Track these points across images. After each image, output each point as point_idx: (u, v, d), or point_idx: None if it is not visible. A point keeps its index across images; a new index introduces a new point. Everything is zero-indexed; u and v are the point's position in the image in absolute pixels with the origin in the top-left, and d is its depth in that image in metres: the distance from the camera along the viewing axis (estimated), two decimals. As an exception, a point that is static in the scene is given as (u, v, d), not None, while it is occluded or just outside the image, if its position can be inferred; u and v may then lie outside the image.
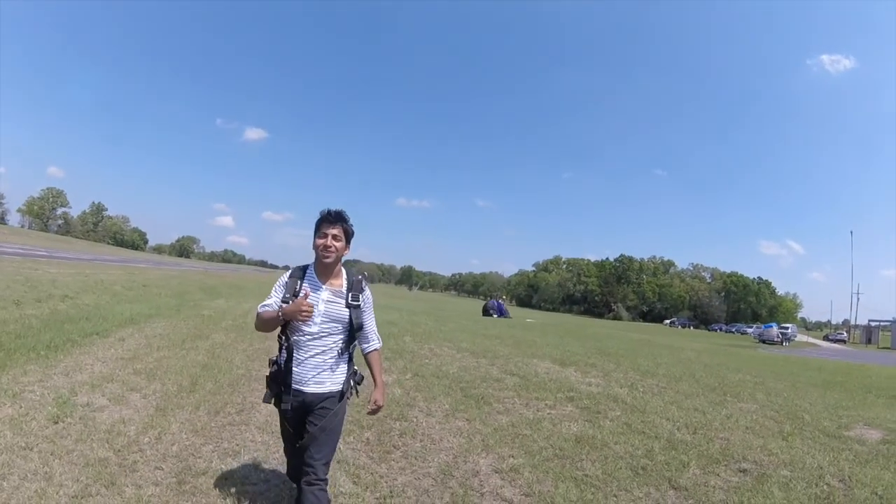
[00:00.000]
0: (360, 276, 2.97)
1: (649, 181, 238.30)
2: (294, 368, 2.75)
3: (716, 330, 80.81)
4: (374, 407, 2.94)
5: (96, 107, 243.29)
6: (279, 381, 2.79)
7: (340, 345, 2.82)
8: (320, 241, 2.77)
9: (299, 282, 2.83)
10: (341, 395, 2.81)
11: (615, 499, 3.74)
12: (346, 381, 2.86)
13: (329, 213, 2.82)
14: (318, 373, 2.76)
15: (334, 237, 2.78)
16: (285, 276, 2.90)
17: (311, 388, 2.75)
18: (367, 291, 2.98)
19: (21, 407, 4.36)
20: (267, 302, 2.82)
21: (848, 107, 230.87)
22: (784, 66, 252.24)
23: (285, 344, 2.79)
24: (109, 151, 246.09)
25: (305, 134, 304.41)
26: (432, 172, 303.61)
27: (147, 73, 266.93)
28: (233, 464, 3.84)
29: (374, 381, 2.99)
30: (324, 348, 2.77)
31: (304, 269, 2.90)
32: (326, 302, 2.78)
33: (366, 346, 2.99)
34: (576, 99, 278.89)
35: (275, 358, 2.87)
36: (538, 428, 5.10)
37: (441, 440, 4.66)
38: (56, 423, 4.14)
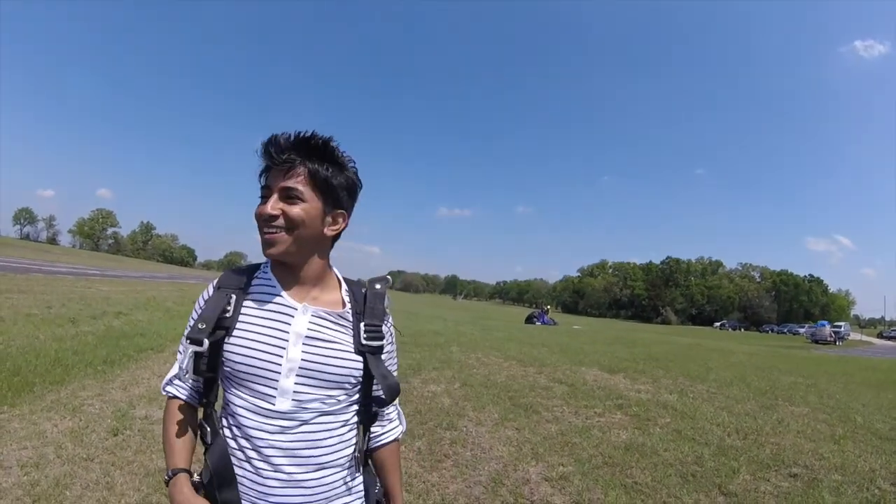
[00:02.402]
0: (381, 283, 1.34)
1: (690, 181, 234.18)
2: None
3: (767, 331, 78.11)
4: None
5: (141, 130, 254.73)
6: None
7: (349, 439, 1.22)
8: (259, 209, 1.17)
9: (234, 296, 1.19)
10: None
11: (666, 506, 3.67)
12: None
13: (274, 140, 1.17)
14: None
15: (286, 195, 1.16)
16: (209, 290, 1.25)
17: None
18: (391, 315, 1.37)
19: (81, 420, 4.52)
20: (173, 373, 1.24)
21: (888, 91, 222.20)
22: (818, 56, 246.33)
23: (216, 437, 1.17)
24: (156, 173, 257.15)
25: (345, 147, 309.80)
26: (472, 181, 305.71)
27: (188, 94, 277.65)
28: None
29: (391, 497, 1.38)
30: (313, 452, 1.14)
31: (250, 270, 1.28)
32: (308, 340, 1.16)
33: (378, 429, 1.37)
34: (610, 101, 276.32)
35: (198, 475, 1.18)
36: (587, 436, 5.03)
37: (491, 449, 4.63)
38: (116, 435, 4.28)
